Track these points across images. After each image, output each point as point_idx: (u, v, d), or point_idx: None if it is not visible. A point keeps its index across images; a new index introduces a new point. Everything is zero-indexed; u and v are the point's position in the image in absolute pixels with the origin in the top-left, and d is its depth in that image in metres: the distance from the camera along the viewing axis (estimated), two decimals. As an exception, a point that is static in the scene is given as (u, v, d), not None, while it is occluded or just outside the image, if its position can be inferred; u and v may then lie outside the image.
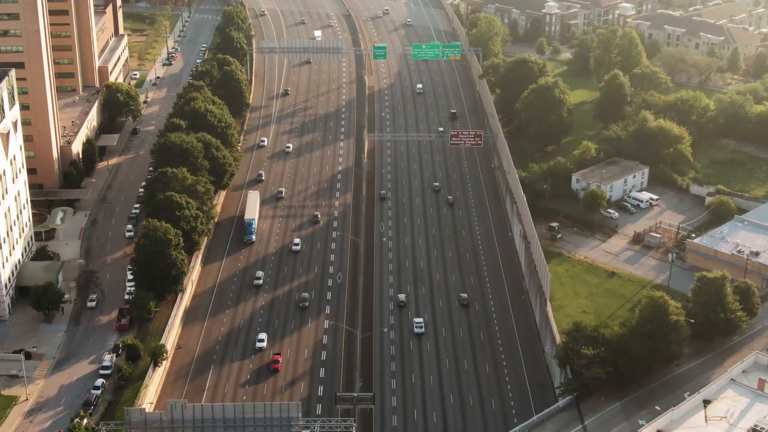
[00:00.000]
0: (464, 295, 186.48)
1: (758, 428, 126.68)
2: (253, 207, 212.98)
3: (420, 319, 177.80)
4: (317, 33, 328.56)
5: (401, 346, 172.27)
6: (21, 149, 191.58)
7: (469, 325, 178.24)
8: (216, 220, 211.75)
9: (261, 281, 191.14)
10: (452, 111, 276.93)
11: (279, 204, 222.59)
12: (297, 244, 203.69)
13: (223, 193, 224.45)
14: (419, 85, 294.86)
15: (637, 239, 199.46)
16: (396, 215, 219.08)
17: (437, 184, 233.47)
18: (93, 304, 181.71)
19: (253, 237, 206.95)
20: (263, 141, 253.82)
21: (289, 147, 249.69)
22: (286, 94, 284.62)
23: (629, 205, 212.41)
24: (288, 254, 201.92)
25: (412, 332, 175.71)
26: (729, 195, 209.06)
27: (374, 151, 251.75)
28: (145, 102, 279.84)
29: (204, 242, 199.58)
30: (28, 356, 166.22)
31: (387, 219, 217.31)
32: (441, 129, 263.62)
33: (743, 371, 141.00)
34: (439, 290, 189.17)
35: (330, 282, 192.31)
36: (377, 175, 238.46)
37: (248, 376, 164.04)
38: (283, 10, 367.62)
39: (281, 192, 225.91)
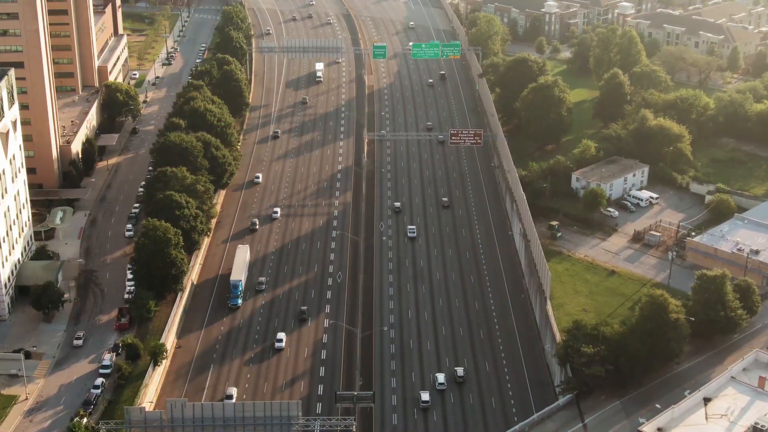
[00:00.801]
0: (445, 199, 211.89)
1: (759, 426, 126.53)
2: (240, 265, 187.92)
3: (413, 227, 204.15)
4: (319, 66, 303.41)
5: (401, 345, 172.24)
6: (20, 149, 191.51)
7: (469, 323, 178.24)
8: (216, 218, 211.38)
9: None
10: (441, 72, 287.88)
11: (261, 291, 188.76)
12: (281, 341, 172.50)
13: (222, 193, 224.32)
14: (411, 43, 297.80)
15: (637, 238, 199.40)
16: (396, 214, 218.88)
17: (430, 123, 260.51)
18: (80, 342, 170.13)
19: (240, 302, 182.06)
20: (258, 177, 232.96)
21: (276, 212, 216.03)
22: (276, 137, 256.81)
23: (629, 204, 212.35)
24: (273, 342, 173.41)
25: (410, 330, 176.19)
26: (729, 193, 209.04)
27: (374, 150, 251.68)
28: (144, 102, 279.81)
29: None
30: (28, 355, 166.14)
31: (387, 218, 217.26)
32: (431, 81, 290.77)
33: (743, 369, 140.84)
34: (439, 290, 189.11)
35: (330, 281, 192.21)
36: (377, 173, 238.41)
37: (248, 376, 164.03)
38: (282, 9, 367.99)
39: (262, 283, 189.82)
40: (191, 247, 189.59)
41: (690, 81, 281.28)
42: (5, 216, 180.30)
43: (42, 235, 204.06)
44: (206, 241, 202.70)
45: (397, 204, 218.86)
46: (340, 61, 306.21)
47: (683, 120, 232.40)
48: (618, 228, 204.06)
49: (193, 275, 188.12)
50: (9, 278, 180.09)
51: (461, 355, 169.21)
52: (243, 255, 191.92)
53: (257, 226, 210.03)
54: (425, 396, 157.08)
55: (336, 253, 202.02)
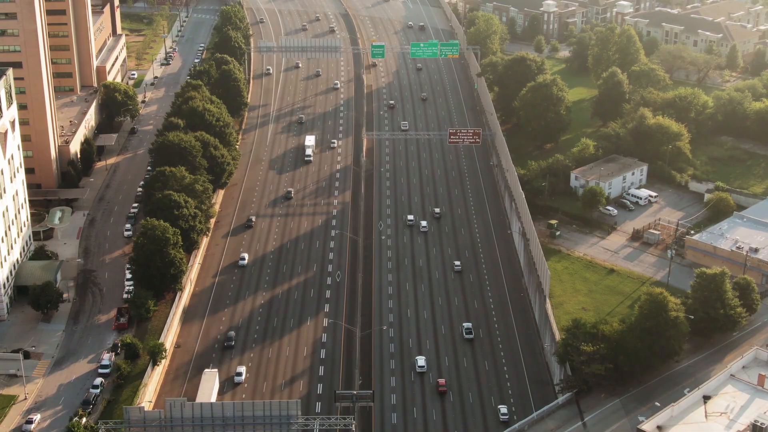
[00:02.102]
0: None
1: (758, 424, 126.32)
2: (206, 399, 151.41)
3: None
4: (309, 141, 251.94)
5: (400, 344, 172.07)
6: (19, 149, 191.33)
7: (468, 321, 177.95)
8: (215, 217, 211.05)
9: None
10: (421, 24, 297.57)
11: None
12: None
13: (221, 192, 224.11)
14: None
15: (636, 236, 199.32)
16: (395, 213, 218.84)
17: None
18: (30, 426, 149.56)
19: None
20: (252, 219, 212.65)
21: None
22: (249, 225, 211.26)
23: (628, 202, 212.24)
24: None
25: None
26: (728, 191, 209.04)
27: (373, 149, 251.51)
28: (143, 101, 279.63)
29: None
30: (27, 355, 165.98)
31: (386, 217, 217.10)
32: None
33: (743, 367, 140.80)
34: (438, 288, 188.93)
35: (329, 280, 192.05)
36: (376, 173, 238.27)
37: (247, 375, 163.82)
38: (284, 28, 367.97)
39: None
40: (190, 246, 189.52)
41: (689, 79, 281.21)
42: (4, 216, 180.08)
43: (41, 235, 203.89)
44: (205, 240, 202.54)
45: (405, 124, 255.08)
46: (335, 144, 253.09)
47: (682, 118, 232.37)
48: (617, 226, 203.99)
49: (191, 274, 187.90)
50: (8, 278, 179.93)
51: (461, 354, 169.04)
52: (210, 384, 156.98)
53: (233, 340, 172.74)
54: (421, 362, 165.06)
55: (335, 253, 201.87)
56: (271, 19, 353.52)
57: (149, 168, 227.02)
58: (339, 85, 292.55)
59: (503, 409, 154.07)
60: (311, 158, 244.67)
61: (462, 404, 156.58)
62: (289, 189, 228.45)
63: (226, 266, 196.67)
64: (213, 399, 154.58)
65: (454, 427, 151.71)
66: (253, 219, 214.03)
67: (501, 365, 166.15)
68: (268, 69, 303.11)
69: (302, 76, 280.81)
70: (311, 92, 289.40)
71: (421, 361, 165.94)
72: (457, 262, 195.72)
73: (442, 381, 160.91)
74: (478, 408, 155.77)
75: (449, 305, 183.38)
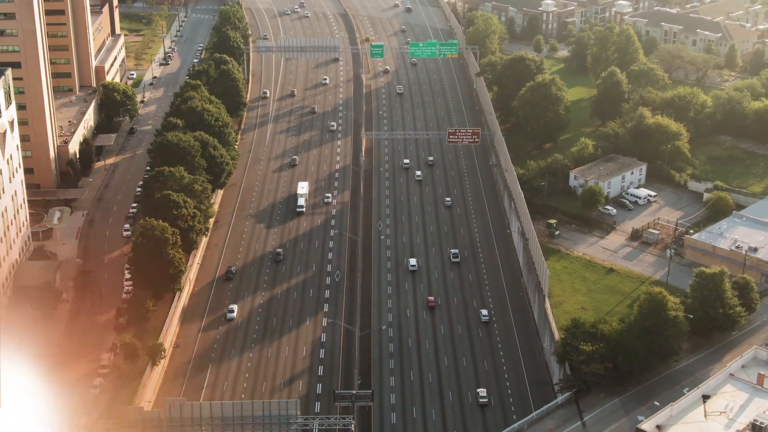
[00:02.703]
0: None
1: (758, 423, 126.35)
2: None
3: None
4: (302, 189, 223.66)
5: (399, 344, 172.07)
6: (18, 149, 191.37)
7: (467, 321, 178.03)
8: (214, 217, 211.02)
9: None
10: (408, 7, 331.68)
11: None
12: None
13: (220, 192, 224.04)
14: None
15: (636, 236, 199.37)
16: (394, 213, 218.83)
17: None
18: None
19: None
20: (231, 270, 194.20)
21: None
22: (229, 275, 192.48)
23: (627, 202, 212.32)
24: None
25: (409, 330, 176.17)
26: (727, 191, 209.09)
27: (372, 149, 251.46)
28: (142, 101, 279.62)
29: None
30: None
31: (385, 217, 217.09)
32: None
33: (742, 366, 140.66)
34: (437, 288, 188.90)
35: (328, 280, 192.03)
36: (374, 173, 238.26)
37: (246, 375, 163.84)
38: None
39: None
40: (189, 246, 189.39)
41: (687, 79, 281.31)
42: (3, 216, 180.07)
43: (40, 235, 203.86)
44: (204, 240, 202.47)
45: (400, 87, 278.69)
46: (330, 199, 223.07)
47: (681, 118, 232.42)
48: (616, 226, 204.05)
49: (190, 274, 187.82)
50: (7, 278, 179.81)
51: (459, 353, 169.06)
52: None
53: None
54: (413, 261, 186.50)
55: (334, 252, 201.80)
56: (275, 38, 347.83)
57: (148, 168, 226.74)
58: (336, 127, 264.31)
59: (484, 311, 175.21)
60: (303, 209, 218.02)
61: (461, 403, 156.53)
62: (279, 249, 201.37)
63: (225, 266, 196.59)
64: None
65: (453, 427, 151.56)
66: (234, 269, 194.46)
67: (500, 365, 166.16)
68: (265, 92, 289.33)
69: (296, 110, 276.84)
70: (305, 130, 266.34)
71: (413, 261, 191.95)
72: (455, 254, 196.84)
73: (431, 298, 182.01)
74: (478, 407, 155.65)
75: (448, 305, 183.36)
